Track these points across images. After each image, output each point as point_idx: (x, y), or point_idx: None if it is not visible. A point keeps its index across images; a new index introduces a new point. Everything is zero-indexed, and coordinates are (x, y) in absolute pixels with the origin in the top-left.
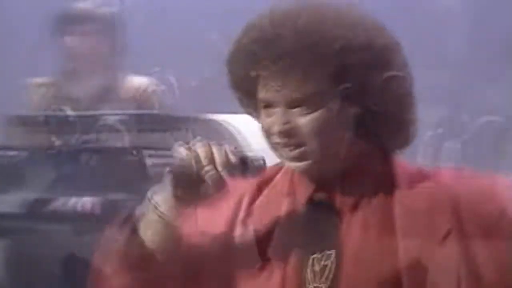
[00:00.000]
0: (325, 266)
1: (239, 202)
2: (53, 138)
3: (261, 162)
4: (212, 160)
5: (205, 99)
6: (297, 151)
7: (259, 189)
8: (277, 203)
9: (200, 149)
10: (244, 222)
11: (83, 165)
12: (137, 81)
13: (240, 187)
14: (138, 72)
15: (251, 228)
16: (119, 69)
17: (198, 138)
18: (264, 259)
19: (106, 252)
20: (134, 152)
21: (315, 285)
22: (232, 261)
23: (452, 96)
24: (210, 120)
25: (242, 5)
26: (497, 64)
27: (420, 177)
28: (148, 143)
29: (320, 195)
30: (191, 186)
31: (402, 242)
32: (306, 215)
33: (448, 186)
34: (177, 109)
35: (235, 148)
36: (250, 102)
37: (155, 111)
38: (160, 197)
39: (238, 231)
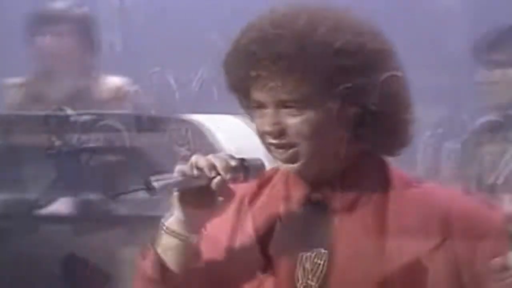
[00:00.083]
0: (318, 264)
1: (241, 203)
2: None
3: (260, 163)
4: (214, 168)
5: (205, 99)
6: (289, 152)
7: (260, 189)
8: (276, 204)
9: (203, 163)
10: (246, 224)
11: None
12: (112, 81)
13: (241, 188)
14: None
15: (252, 229)
16: (93, 69)
17: (177, 139)
18: (265, 260)
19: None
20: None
21: (306, 282)
22: (237, 263)
23: (452, 96)
24: (186, 121)
25: (242, 5)
26: None
27: (413, 182)
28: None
29: (316, 196)
30: (200, 200)
31: (394, 244)
32: (302, 215)
33: (441, 195)
34: (153, 109)
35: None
36: (248, 103)
37: (130, 111)
38: (172, 220)
39: (240, 233)
